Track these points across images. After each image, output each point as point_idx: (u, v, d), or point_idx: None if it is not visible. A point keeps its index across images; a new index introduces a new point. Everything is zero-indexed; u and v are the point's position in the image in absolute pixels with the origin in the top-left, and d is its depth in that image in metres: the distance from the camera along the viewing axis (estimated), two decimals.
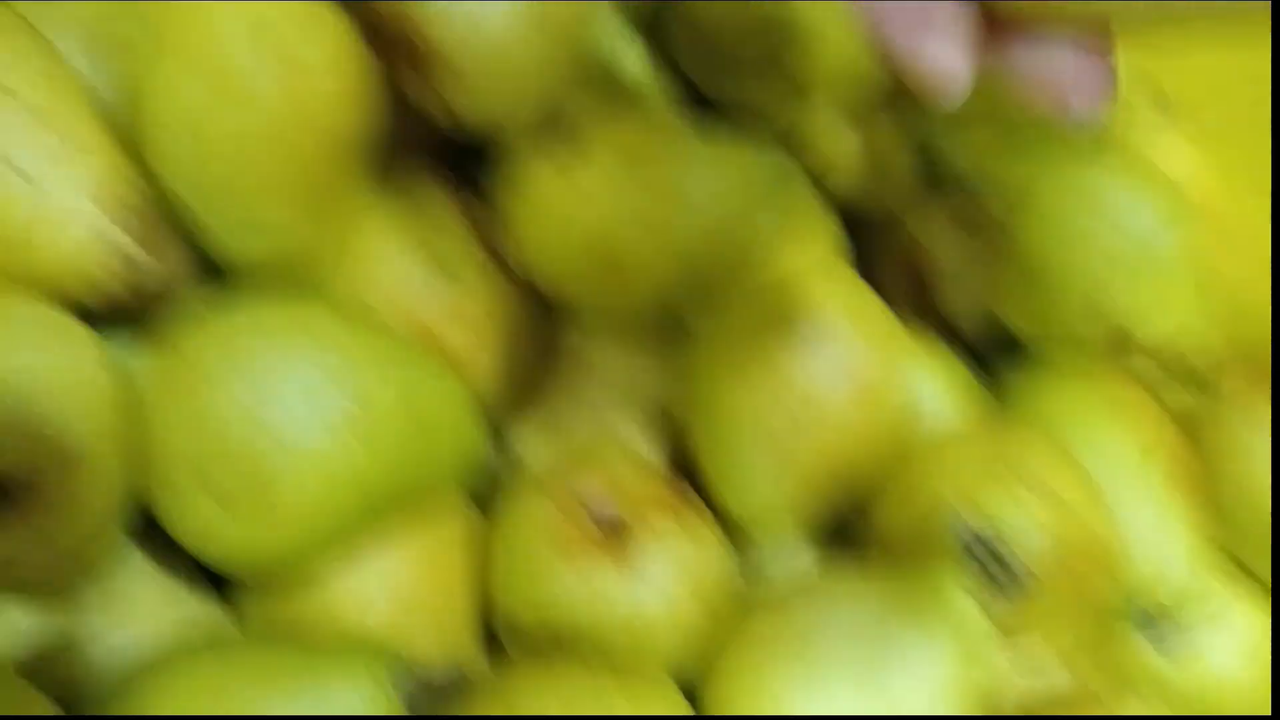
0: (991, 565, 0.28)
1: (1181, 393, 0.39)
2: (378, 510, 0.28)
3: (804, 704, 0.28)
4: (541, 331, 0.35)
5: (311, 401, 0.27)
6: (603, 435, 0.35)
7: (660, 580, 0.30)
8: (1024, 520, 0.30)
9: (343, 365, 0.27)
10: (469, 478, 0.32)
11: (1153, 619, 0.35)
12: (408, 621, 0.31)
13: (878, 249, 0.44)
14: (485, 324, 0.33)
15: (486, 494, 0.34)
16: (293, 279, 0.30)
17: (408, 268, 0.31)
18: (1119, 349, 0.37)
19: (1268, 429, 0.36)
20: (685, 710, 0.28)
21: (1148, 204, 0.36)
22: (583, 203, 0.30)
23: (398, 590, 0.31)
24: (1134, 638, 0.35)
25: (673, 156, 0.33)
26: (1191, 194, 0.40)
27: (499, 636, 0.33)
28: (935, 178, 0.45)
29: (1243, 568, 0.37)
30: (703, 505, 0.33)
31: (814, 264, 0.36)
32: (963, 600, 0.28)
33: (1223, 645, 0.36)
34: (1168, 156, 0.43)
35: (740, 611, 0.31)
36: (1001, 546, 0.30)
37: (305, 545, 0.28)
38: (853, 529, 0.35)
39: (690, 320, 0.35)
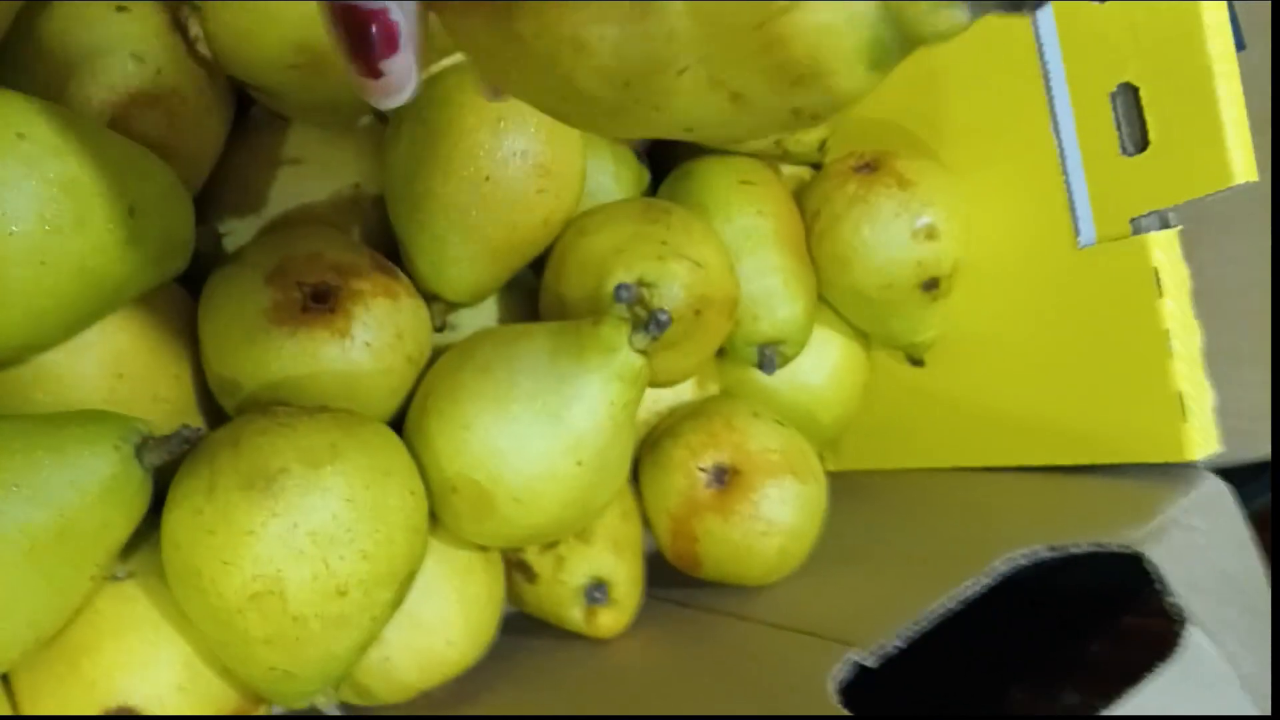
0: (641, 312, 0.34)
1: (796, 170, 0.48)
2: (97, 294, 0.30)
3: (493, 426, 0.34)
4: (242, 118, 0.36)
5: (15, 189, 0.27)
6: (306, 216, 0.37)
7: (368, 340, 0.34)
8: (667, 279, 0.38)
9: (44, 153, 0.28)
10: (178, 257, 0.33)
11: (764, 349, 0.44)
12: (125, 391, 0.34)
13: None
14: (180, 107, 0.34)
15: (192, 272, 0.35)
16: None
17: (99, 55, 0.31)
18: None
19: (857, 199, 0.45)
20: (393, 438, 0.34)
21: None
22: (283, 7, 0.31)
23: (113, 365, 0.33)
24: (750, 363, 0.44)
25: None
26: None
27: (219, 400, 0.36)
28: None
29: (831, 308, 0.47)
30: (401, 273, 0.37)
31: None
32: (619, 340, 0.34)
33: (812, 366, 0.47)
34: None
35: (437, 360, 0.36)
36: (649, 298, 0.37)
37: (24, 330, 0.29)
38: (532, 287, 0.41)
39: (387, 111, 0.37)
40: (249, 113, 0.38)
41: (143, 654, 0.32)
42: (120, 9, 0.32)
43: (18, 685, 0.32)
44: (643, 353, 0.35)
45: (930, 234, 0.44)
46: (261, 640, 0.30)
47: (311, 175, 0.37)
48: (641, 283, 0.37)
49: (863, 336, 0.49)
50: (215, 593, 0.30)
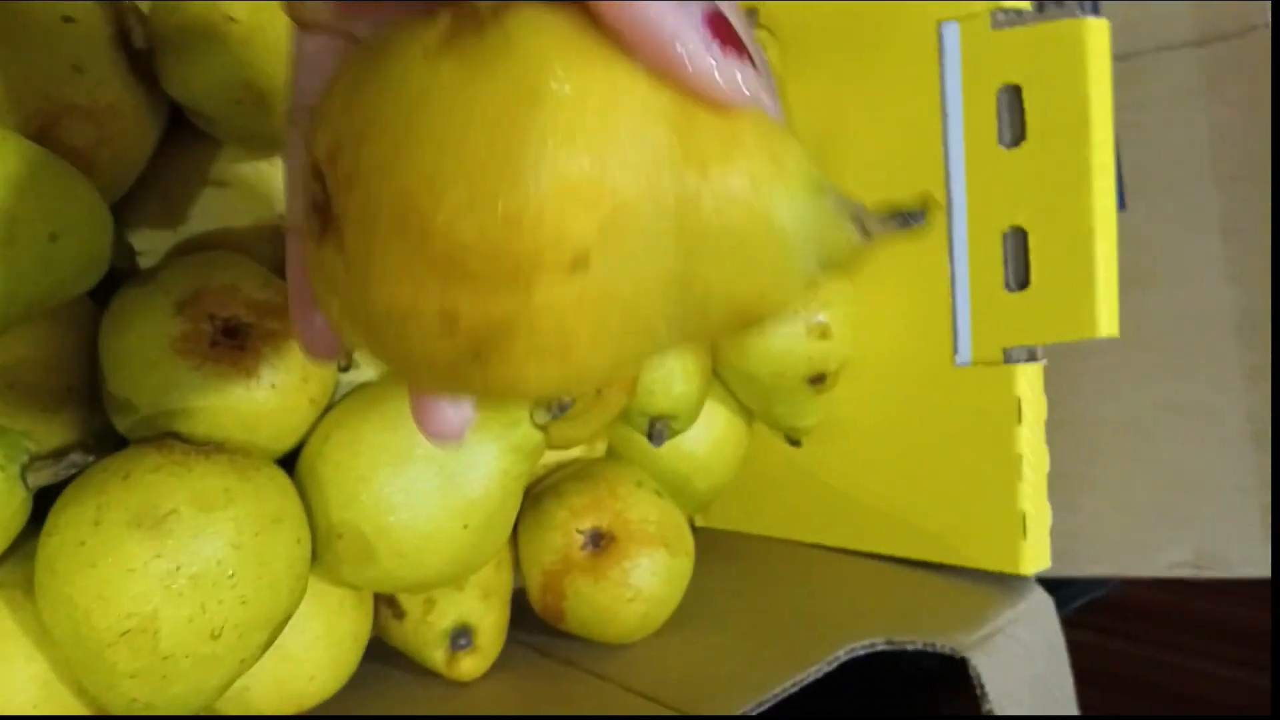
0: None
1: None
2: (4, 315, 0.29)
3: (388, 483, 0.35)
4: (172, 131, 0.36)
5: None
6: (225, 240, 0.37)
7: (274, 382, 0.34)
8: None
9: None
10: (93, 276, 0.33)
11: (655, 422, 0.46)
12: (14, 399, 0.33)
13: None
14: (113, 121, 0.33)
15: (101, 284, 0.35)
16: None
17: (39, 63, 0.31)
18: None
19: None
20: (287, 484, 0.34)
21: None
22: (237, 45, 0.31)
23: (8, 373, 0.33)
24: (639, 431, 0.46)
25: None
26: None
27: (110, 418, 0.35)
28: None
29: (723, 383, 0.50)
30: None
31: None
32: (520, 414, 0.36)
33: (697, 436, 0.49)
34: None
35: (339, 399, 0.37)
36: None
37: None
38: None
39: None
40: (179, 125, 0.37)
41: None
42: (67, 20, 0.31)
43: None
44: (541, 428, 0.36)
45: (824, 333, 0.47)
46: (127, 674, 0.30)
47: (237, 200, 0.37)
48: None
49: (747, 413, 0.51)
50: (87, 624, 0.30)
